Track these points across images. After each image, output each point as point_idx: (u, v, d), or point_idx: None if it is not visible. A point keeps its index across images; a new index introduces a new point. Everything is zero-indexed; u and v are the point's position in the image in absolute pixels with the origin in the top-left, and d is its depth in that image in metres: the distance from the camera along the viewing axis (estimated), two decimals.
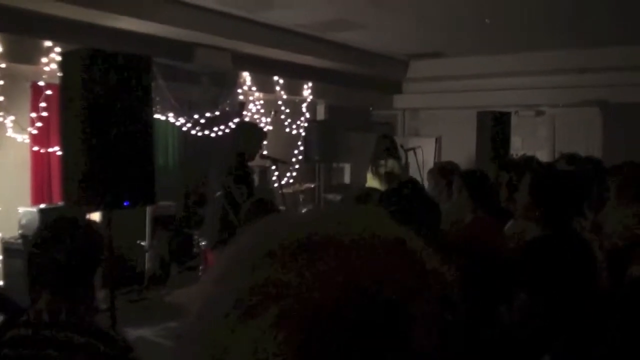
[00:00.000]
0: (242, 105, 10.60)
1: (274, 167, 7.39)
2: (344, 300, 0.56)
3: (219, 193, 5.93)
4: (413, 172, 8.50)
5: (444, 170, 5.59)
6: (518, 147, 11.00)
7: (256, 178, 8.62)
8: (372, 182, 8.28)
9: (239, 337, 0.56)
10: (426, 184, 5.99)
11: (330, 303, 0.56)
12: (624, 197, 2.31)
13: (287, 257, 0.60)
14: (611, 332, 2.34)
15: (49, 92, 7.77)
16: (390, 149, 8.48)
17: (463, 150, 10.49)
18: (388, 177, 7.66)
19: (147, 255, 8.45)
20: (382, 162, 8.30)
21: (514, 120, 9.78)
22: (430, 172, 6.04)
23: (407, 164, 8.94)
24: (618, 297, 2.79)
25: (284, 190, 7.25)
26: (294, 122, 11.56)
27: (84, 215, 4.34)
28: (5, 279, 7.05)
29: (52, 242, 2.45)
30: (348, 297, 0.56)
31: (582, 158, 6.24)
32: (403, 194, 3.20)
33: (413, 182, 3.60)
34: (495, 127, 8.89)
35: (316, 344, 0.54)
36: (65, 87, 4.09)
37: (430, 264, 0.64)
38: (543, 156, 8.22)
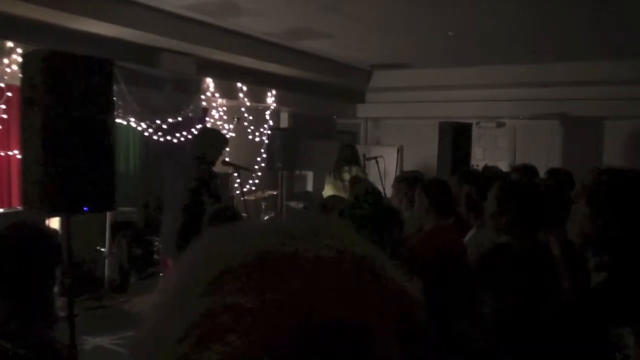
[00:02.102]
0: (205, 112, 10.55)
1: (236, 174, 7.36)
2: (307, 330, 0.52)
3: (179, 199, 5.87)
4: (375, 181, 8.53)
5: (406, 180, 5.61)
6: (479, 157, 11.15)
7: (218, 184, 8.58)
8: (330, 190, 8.24)
9: None
10: (389, 192, 6.02)
11: (290, 333, 0.52)
12: (581, 198, 2.36)
13: (244, 277, 0.55)
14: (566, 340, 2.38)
15: (9, 94, 7.66)
16: (352, 158, 8.47)
17: (424, 160, 10.59)
18: (353, 182, 7.67)
19: (106, 261, 8.35)
20: (346, 168, 8.29)
21: (475, 131, 9.91)
22: (395, 180, 6.06)
23: (365, 173, 8.95)
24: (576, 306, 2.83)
25: (246, 197, 7.23)
26: (257, 129, 11.55)
27: (43, 220, 4.26)
28: None
29: (7, 248, 2.40)
30: (311, 326, 0.52)
31: (558, 170, 6.30)
32: (365, 204, 3.21)
33: (375, 192, 3.62)
34: (456, 138, 8.97)
35: None
36: (25, 89, 4.02)
37: (396, 282, 0.61)
38: (503, 167, 8.31)
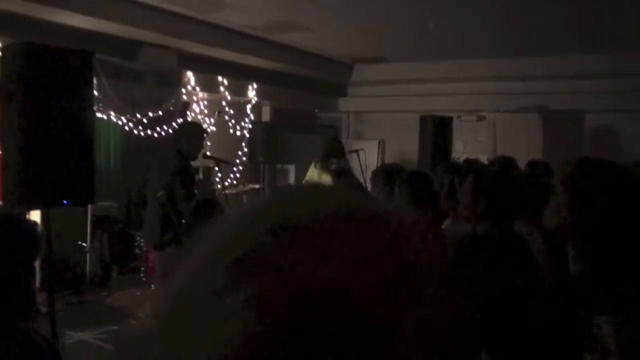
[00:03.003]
0: (186, 105, 10.52)
1: (217, 168, 7.35)
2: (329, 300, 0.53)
3: (160, 193, 5.86)
4: (356, 174, 8.55)
5: (384, 172, 5.62)
6: (460, 151, 11.19)
7: (199, 178, 8.57)
8: (315, 177, 8.26)
9: (217, 310, 0.54)
10: (369, 185, 6.02)
11: (308, 301, 0.53)
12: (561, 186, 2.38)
13: (289, 237, 0.56)
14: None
15: None
16: (340, 151, 8.48)
17: (406, 153, 10.63)
18: (338, 174, 7.68)
19: (87, 256, 8.31)
20: (334, 161, 8.29)
21: (456, 124, 9.94)
22: (374, 173, 6.07)
23: (350, 167, 8.97)
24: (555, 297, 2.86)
25: (228, 191, 7.22)
26: (238, 123, 11.52)
27: (23, 213, 4.24)
28: None
29: None
30: (339, 294, 0.53)
31: (537, 162, 6.35)
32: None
33: (357, 185, 3.62)
34: (437, 131, 9.00)
35: (282, 337, 0.52)
36: (3, 81, 3.99)
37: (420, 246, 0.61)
38: (484, 160, 8.35)
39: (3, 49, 4.22)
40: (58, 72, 3.91)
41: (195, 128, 6.66)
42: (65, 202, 4.04)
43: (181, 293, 0.60)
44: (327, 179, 7.92)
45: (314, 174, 8.38)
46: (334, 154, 8.35)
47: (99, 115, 7.88)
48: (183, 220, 5.11)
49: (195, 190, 6.05)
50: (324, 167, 8.29)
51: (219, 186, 9.29)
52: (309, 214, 0.59)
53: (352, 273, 0.55)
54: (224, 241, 0.61)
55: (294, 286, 0.53)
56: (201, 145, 6.44)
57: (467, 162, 6.96)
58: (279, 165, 12.76)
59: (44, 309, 4.45)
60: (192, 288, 0.59)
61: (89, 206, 7.78)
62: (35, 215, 6.04)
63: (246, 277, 0.54)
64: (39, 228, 2.64)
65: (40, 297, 4.97)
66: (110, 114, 8.80)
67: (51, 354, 2.39)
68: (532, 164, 6.19)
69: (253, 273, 0.54)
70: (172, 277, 0.63)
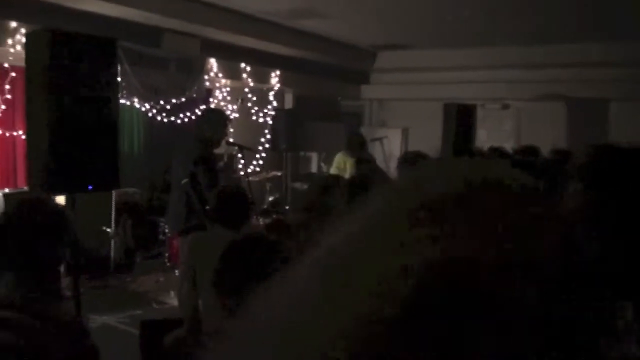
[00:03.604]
0: (209, 92, 10.54)
1: (240, 155, 7.38)
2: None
3: (184, 180, 5.89)
4: (379, 162, 8.56)
5: (409, 161, 5.62)
6: (484, 139, 11.12)
7: (222, 165, 8.61)
8: (342, 164, 8.43)
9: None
10: (393, 173, 6.03)
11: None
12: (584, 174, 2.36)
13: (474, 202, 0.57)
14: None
15: (13, 74, 7.67)
16: (361, 144, 8.56)
17: (429, 142, 10.56)
18: (360, 162, 7.78)
19: (112, 242, 8.39)
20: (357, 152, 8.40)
21: (479, 113, 9.87)
22: (400, 160, 6.08)
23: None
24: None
25: (250, 178, 7.24)
26: (260, 110, 11.53)
27: (50, 198, 4.29)
28: None
29: (16, 223, 2.43)
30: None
31: (560, 150, 6.31)
32: (368, 183, 3.21)
33: (375, 171, 3.62)
34: (461, 120, 8.95)
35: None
36: (29, 68, 4.04)
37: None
38: (508, 149, 8.30)
39: (28, 36, 4.26)
40: (82, 58, 3.94)
41: (218, 115, 6.68)
42: (90, 187, 4.08)
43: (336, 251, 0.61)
44: (352, 166, 8.07)
45: (340, 162, 8.52)
46: (353, 146, 8.43)
47: (122, 101, 7.92)
48: (207, 207, 5.13)
49: (219, 177, 6.07)
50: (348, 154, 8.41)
51: (242, 173, 9.32)
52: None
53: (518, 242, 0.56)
54: (400, 197, 0.62)
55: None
56: (225, 132, 6.46)
57: (492, 150, 6.92)
58: (301, 153, 12.76)
59: (68, 293, 4.51)
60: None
61: (113, 192, 7.85)
62: (60, 200, 6.11)
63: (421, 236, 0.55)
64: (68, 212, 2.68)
65: (65, 282, 5.05)
66: (133, 101, 8.85)
67: (82, 334, 2.42)
68: (555, 153, 6.15)
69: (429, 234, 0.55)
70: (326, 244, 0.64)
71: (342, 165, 8.48)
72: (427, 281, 0.52)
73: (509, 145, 9.78)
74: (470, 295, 0.52)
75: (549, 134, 11.06)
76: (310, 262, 0.63)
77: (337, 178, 4.39)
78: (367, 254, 0.58)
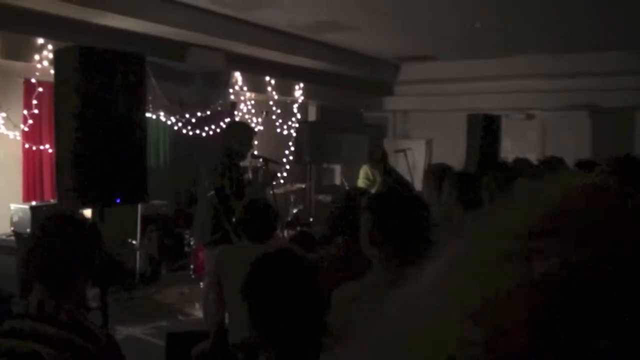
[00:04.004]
0: (234, 105, 10.61)
1: (264, 167, 7.41)
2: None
3: (211, 193, 5.92)
4: (403, 173, 8.55)
5: (435, 172, 5.62)
6: (508, 150, 11.07)
7: (248, 177, 8.65)
8: (370, 175, 8.46)
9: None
10: (417, 185, 6.04)
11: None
12: None
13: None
14: None
15: (41, 89, 7.78)
16: (381, 157, 8.56)
17: (454, 153, 10.55)
18: (385, 173, 7.81)
19: (137, 253, 8.45)
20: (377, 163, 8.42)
21: (504, 123, 9.83)
22: (426, 172, 6.09)
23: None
24: None
25: (275, 191, 7.27)
26: (285, 122, 11.58)
27: (77, 212, 4.35)
28: None
29: (52, 237, 2.47)
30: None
31: (585, 161, 6.29)
32: (393, 195, 3.21)
33: (403, 184, 3.63)
34: (485, 130, 8.90)
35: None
36: (58, 84, 4.11)
37: None
38: (533, 160, 8.25)
39: (57, 52, 4.33)
40: (111, 74, 4.00)
41: (245, 128, 6.72)
42: (118, 200, 4.14)
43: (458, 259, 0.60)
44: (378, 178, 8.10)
45: (368, 174, 8.55)
46: (375, 159, 8.45)
47: (148, 115, 7.99)
48: (233, 219, 5.17)
49: (245, 189, 6.10)
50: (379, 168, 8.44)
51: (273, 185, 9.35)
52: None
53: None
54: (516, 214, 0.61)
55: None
56: (251, 145, 6.50)
57: (517, 162, 6.91)
58: (325, 165, 12.78)
59: (94, 304, 4.56)
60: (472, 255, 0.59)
61: (139, 204, 7.92)
62: (87, 213, 6.18)
63: (541, 248, 0.54)
64: (99, 227, 2.73)
65: (91, 293, 5.10)
66: (159, 114, 8.94)
67: (109, 343, 2.46)
68: (580, 164, 6.12)
69: (550, 245, 0.54)
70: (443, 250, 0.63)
71: (370, 177, 8.49)
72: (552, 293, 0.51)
73: (533, 156, 9.76)
74: (600, 306, 0.52)
75: (573, 144, 11.00)
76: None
77: (363, 191, 4.40)
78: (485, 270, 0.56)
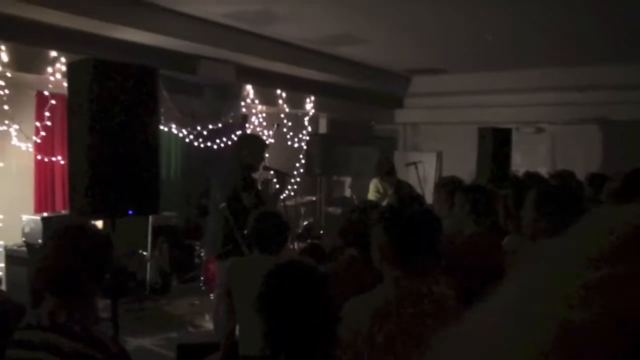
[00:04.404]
0: (245, 118, 10.66)
1: (275, 180, 7.43)
2: None
3: (222, 204, 5.94)
4: (414, 186, 8.55)
5: (447, 185, 5.63)
6: (518, 163, 11.04)
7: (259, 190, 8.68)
8: (380, 188, 8.43)
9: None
10: (427, 198, 6.04)
11: None
12: (617, 199, 2.35)
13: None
14: None
15: (53, 101, 7.85)
16: (388, 170, 8.55)
17: (464, 166, 10.53)
18: (397, 187, 7.80)
19: (148, 265, 8.47)
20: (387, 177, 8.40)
21: (513, 136, 9.82)
22: (437, 186, 6.10)
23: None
24: None
25: (286, 203, 7.29)
26: (295, 135, 11.61)
27: (90, 223, 4.38)
28: (8, 285, 7.08)
29: (65, 249, 2.48)
30: None
31: (596, 175, 6.29)
32: (405, 209, 3.22)
33: (415, 198, 3.63)
34: (496, 143, 8.88)
35: None
36: (72, 96, 4.14)
37: None
38: (543, 173, 8.23)
39: (70, 65, 4.36)
40: (124, 87, 4.03)
41: (256, 140, 6.74)
42: (130, 212, 4.15)
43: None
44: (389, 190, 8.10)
45: (379, 187, 8.53)
46: (382, 172, 8.45)
47: (160, 127, 8.04)
48: (245, 231, 5.18)
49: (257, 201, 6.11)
50: (387, 180, 8.42)
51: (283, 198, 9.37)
52: None
53: None
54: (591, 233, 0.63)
55: None
56: (262, 157, 6.53)
57: (527, 175, 6.90)
58: (335, 177, 12.79)
59: (105, 315, 4.57)
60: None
61: (150, 216, 7.95)
62: (98, 224, 6.21)
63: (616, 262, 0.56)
64: (110, 238, 2.74)
65: (102, 304, 5.12)
66: (171, 126, 8.99)
67: (120, 354, 2.47)
68: (591, 178, 6.12)
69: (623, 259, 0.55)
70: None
71: (380, 189, 8.48)
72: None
73: (544, 169, 9.73)
74: None
75: (583, 158, 10.97)
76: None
77: (374, 204, 4.40)
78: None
